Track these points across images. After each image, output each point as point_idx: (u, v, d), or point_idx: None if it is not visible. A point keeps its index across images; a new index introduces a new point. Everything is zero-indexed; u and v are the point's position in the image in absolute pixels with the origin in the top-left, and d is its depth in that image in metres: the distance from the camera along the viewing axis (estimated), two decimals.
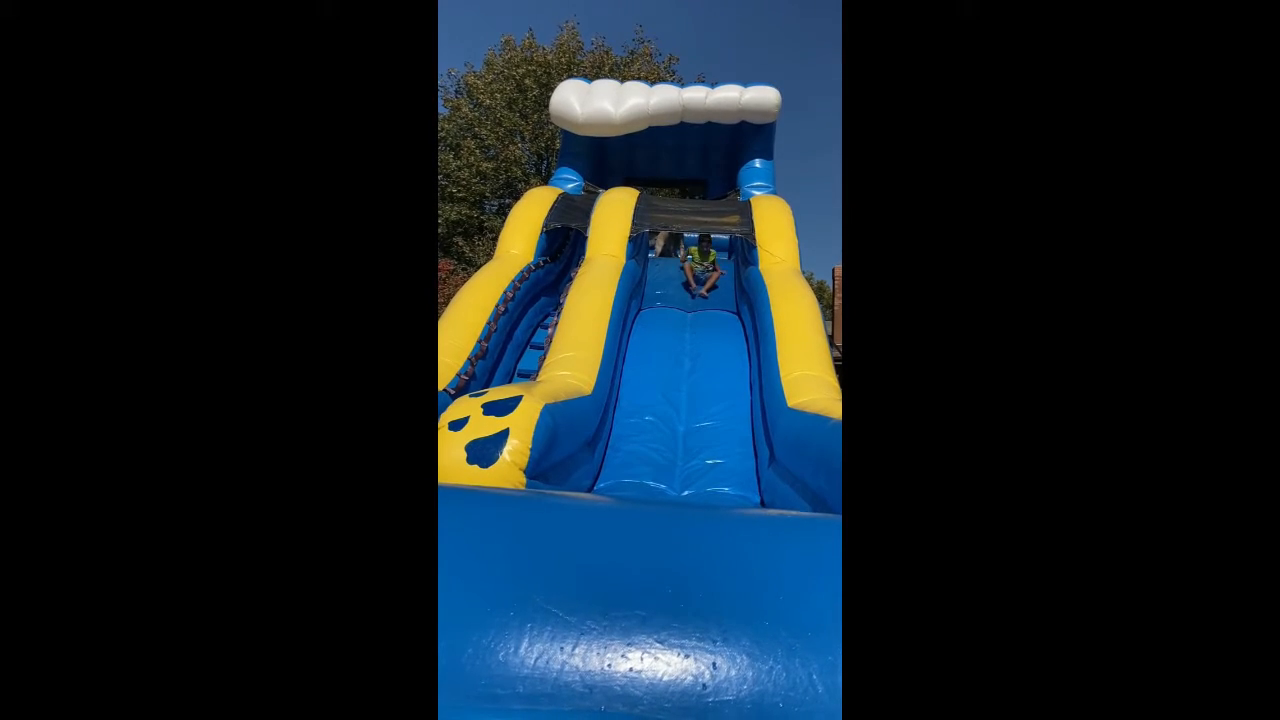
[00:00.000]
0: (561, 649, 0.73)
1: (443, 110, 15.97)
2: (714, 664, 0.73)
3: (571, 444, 2.60)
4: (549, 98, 6.33)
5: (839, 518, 0.95)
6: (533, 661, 0.73)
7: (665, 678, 0.72)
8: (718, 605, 0.78)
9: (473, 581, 0.81)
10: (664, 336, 4.33)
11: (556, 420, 2.30)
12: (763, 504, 3.05)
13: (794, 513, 1.11)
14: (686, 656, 0.73)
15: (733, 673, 0.72)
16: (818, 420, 2.45)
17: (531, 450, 2.06)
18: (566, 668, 0.72)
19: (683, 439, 3.58)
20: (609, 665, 0.72)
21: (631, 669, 0.72)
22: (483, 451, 1.99)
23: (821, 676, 0.68)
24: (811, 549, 0.90)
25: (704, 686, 0.71)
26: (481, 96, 15.33)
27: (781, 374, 3.17)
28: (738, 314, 4.72)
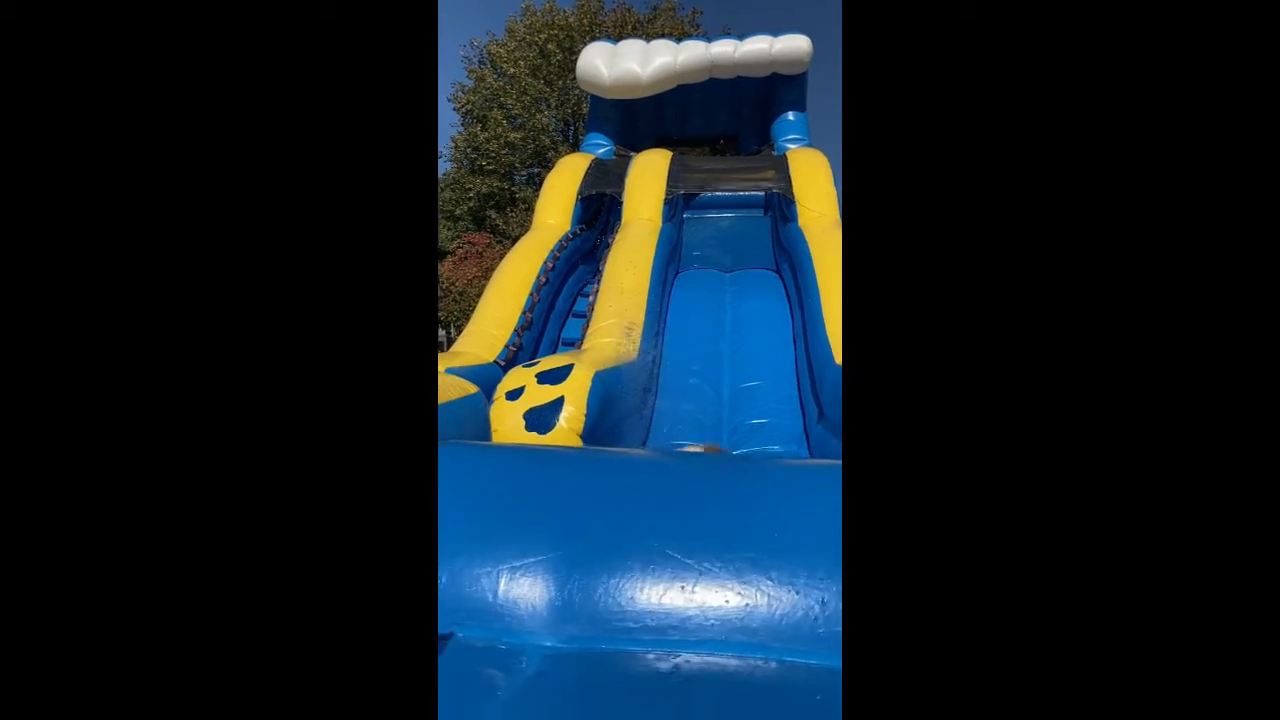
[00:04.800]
0: (683, 588, 0.81)
1: (467, 81, 15.91)
2: (823, 599, 0.79)
3: (622, 408, 2.66)
4: (573, 62, 6.27)
5: None
6: (658, 599, 0.80)
7: (779, 612, 0.79)
8: (822, 546, 0.84)
9: (598, 530, 0.89)
10: (704, 298, 4.33)
11: (607, 386, 2.36)
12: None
13: None
14: (797, 593, 0.80)
15: (840, 606, 0.78)
16: None
17: (586, 416, 2.12)
18: (690, 604, 0.80)
19: (728, 400, 3.62)
20: (727, 601, 0.80)
21: (748, 604, 0.79)
22: (540, 419, 2.06)
23: None
24: None
25: (815, 619, 0.78)
26: (505, 65, 15.21)
27: (828, 329, 3.16)
28: (777, 271, 4.68)
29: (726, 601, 0.80)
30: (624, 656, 0.77)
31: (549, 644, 0.80)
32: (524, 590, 0.84)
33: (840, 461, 1.14)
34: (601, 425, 2.33)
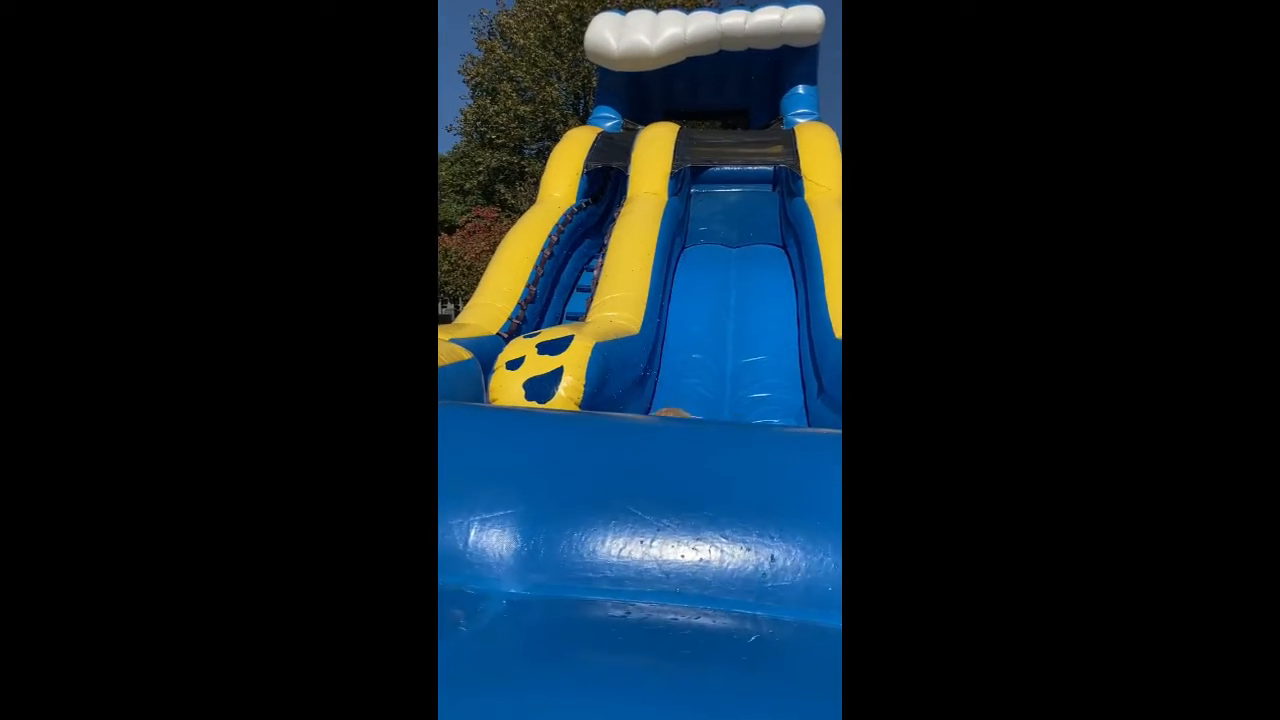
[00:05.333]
0: (641, 541, 0.87)
1: (477, 53, 15.76)
2: (772, 556, 0.85)
3: (622, 381, 2.69)
4: (583, 33, 6.21)
5: None
6: (617, 552, 0.87)
7: (731, 566, 0.85)
8: (776, 507, 0.90)
9: (565, 487, 0.95)
10: (709, 273, 4.34)
11: (607, 358, 2.39)
12: None
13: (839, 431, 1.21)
14: (749, 549, 0.86)
15: (789, 563, 0.84)
16: None
17: (585, 386, 2.16)
18: (646, 558, 0.86)
19: (730, 375, 3.64)
20: (682, 555, 0.86)
21: (702, 559, 0.85)
22: (540, 388, 2.10)
23: None
24: None
25: (764, 574, 0.84)
26: (515, 36, 15.04)
27: (829, 305, 3.17)
28: (783, 247, 4.67)
29: (682, 556, 0.86)
30: (582, 604, 0.83)
31: (513, 590, 0.86)
32: (492, 541, 0.90)
33: (811, 429, 1.17)
34: (600, 396, 2.37)
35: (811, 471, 0.96)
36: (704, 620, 0.80)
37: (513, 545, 0.89)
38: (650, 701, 0.65)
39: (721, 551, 0.85)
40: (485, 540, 0.90)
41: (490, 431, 1.05)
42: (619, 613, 0.81)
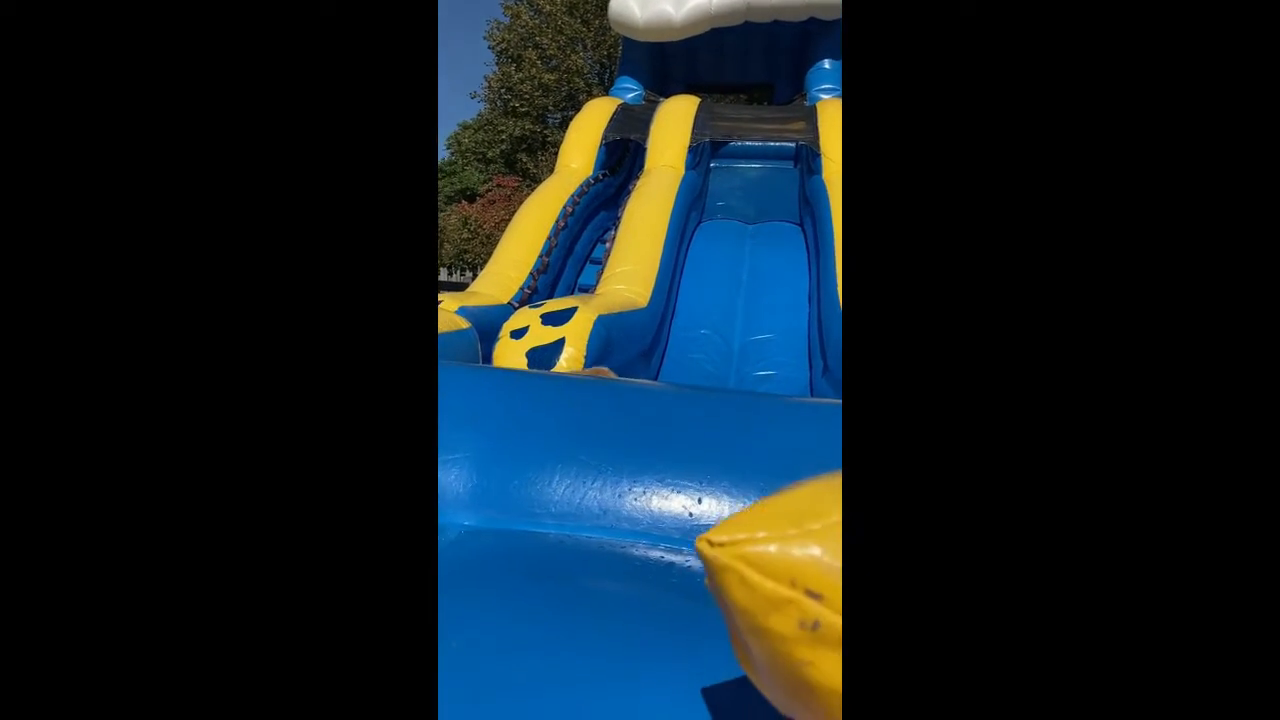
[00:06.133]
0: (584, 483, 0.99)
1: (503, 18, 15.60)
2: (699, 499, 0.97)
3: (625, 354, 2.72)
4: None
5: (819, 401, 1.13)
6: (562, 492, 0.98)
7: (661, 507, 0.96)
8: (705, 457, 1.01)
9: (517, 434, 1.07)
10: (724, 249, 4.33)
11: (610, 331, 2.42)
12: None
13: (785, 396, 1.28)
14: (679, 492, 0.98)
15: (713, 504, 0.96)
16: None
17: (586, 358, 2.20)
18: (587, 497, 0.98)
19: (738, 352, 3.66)
20: (620, 496, 0.97)
21: (636, 499, 0.97)
22: (542, 358, 2.15)
23: None
24: (789, 421, 1.12)
25: (690, 514, 0.96)
26: (542, 2, 14.85)
27: (839, 284, 3.16)
28: (800, 226, 4.63)
29: (619, 496, 0.98)
30: (527, 536, 0.94)
31: (468, 523, 0.97)
32: (450, 479, 1.02)
33: (742, 391, 1.23)
34: (602, 367, 2.41)
35: (736, 428, 1.08)
36: (635, 551, 0.91)
37: (470, 483, 1.00)
38: (569, 610, 0.75)
39: (654, 494, 0.97)
40: (444, 478, 1.01)
41: (451, 384, 1.14)
42: (559, 543, 0.92)
